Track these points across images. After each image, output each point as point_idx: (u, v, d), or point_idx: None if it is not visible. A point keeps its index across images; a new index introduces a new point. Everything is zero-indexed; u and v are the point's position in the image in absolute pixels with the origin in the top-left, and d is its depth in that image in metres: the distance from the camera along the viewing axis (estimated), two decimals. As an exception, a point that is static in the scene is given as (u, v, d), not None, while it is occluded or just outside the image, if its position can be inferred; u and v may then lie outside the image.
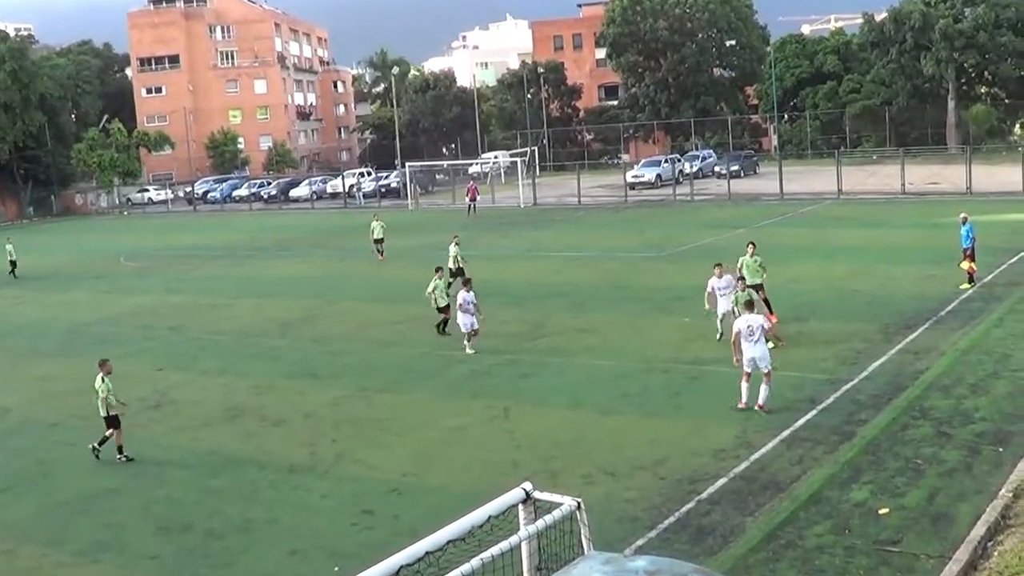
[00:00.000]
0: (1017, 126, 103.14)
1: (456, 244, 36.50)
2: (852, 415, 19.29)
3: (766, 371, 19.69)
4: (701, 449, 17.99)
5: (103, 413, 20.14)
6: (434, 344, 28.11)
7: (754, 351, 19.59)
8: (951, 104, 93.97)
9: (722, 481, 16.47)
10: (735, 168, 78.09)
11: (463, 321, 26.43)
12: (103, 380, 20.10)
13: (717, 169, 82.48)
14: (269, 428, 21.47)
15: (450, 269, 34.22)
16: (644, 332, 27.62)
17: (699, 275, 34.89)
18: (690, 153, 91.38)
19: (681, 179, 75.39)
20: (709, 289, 25.60)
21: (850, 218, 51.24)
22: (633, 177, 77.42)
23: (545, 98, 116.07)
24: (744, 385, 19.92)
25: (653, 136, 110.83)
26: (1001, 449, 16.98)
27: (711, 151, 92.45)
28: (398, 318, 32.39)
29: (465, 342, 26.55)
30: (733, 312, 23.62)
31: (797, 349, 24.59)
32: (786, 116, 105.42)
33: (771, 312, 27.15)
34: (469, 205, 67.50)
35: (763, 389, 19.73)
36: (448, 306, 28.21)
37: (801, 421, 19.11)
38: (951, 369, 21.87)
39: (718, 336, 25.55)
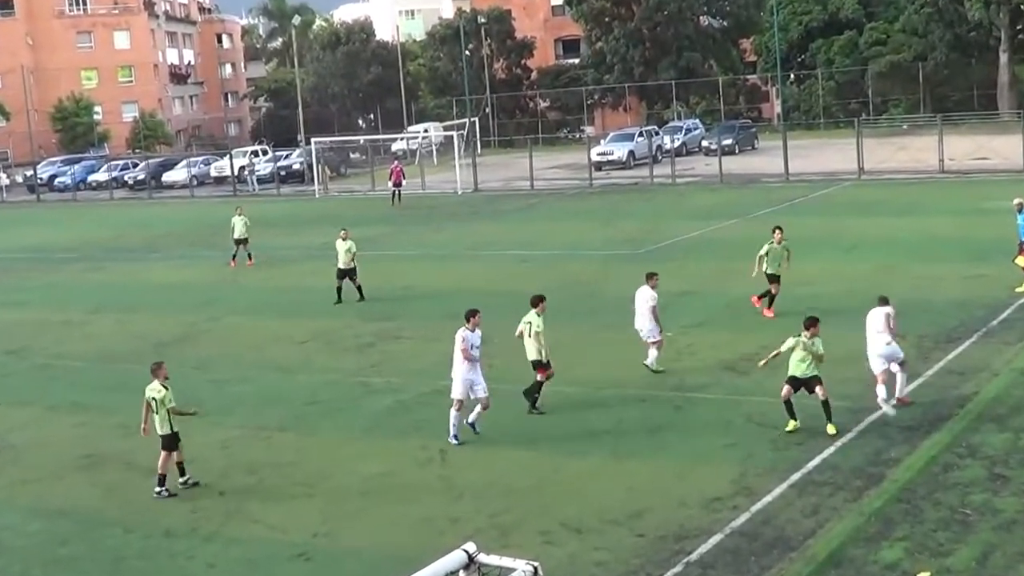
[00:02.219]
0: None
1: (345, 239, 36.84)
2: (880, 453, 19.46)
3: (901, 360, 21.82)
4: (689, 498, 18.08)
5: (164, 431, 20.21)
6: (348, 369, 28.02)
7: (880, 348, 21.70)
8: (1004, 58, 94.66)
9: (716, 538, 16.53)
10: (728, 142, 78.71)
11: (469, 378, 22.03)
12: (164, 388, 20.28)
13: (705, 144, 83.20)
14: (139, 479, 21.27)
15: (340, 269, 36.29)
16: (616, 351, 27.67)
17: (686, 278, 35.30)
18: (671, 124, 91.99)
19: (660, 157, 75.70)
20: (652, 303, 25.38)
21: (875, 204, 51.78)
22: (599, 155, 77.82)
23: (488, 55, 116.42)
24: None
25: (624, 103, 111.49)
26: (1069, 494, 17.20)
27: (697, 121, 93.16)
28: (301, 335, 32.25)
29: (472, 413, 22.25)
30: None
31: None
32: (792, 76, 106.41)
33: (769, 307, 29.00)
34: (393, 191, 67.40)
35: (900, 378, 21.88)
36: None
37: (816, 461, 19.25)
38: (1006, 394, 22.12)
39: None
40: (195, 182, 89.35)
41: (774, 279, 30.21)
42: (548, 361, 23.19)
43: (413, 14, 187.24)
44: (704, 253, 41.49)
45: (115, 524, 19.13)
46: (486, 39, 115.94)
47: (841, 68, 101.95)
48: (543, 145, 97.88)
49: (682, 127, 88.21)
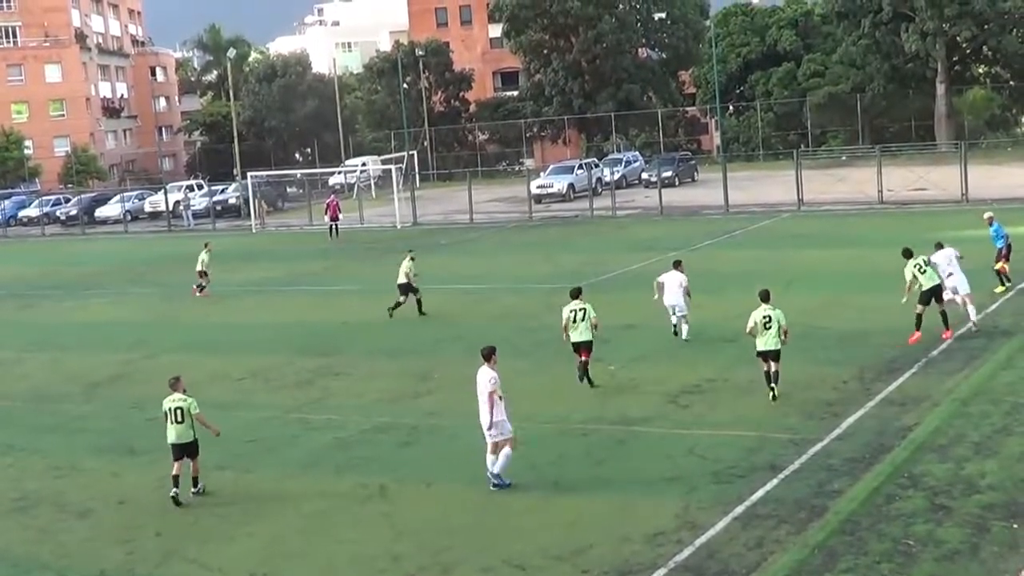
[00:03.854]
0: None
1: (411, 259, 39.59)
2: (824, 485, 19.57)
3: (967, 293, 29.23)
4: (633, 533, 18.08)
5: (187, 439, 21.45)
6: (287, 406, 27.88)
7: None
8: (940, 89, 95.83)
9: (661, 573, 16.55)
10: (667, 175, 79.24)
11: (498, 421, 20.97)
12: (185, 398, 21.54)
13: (645, 176, 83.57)
14: (71, 522, 21.04)
15: (401, 285, 38.86)
16: (558, 385, 27.73)
17: (628, 311, 35.36)
18: (611, 156, 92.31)
19: (600, 189, 75.95)
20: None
21: (814, 235, 52.19)
22: (539, 188, 78.15)
23: (426, 88, 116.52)
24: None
25: (564, 135, 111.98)
26: (1015, 525, 17.32)
27: (637, 154, 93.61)
28: (239, 372, 32.08)
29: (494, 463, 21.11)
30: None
31: (751, 401, 24.91)
32: (731, 108, 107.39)
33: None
34: (330, 225, 67.18)
35: (971, 309, 29.30)
36: None
37: (759, 494, 19.32)
38: (948, 424, 22.31)
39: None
40: (129, 217, 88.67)
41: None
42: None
43: (350, 47, 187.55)
44: (645, 286, 41.13)
45: (48, 568, 18.89)
46: (424, 72, 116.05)
47: (780, 100, 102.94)
48: (482, 178, 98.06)
49: (622, 159, 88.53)
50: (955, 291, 30.18)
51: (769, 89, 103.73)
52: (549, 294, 41.16)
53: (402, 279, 38.89)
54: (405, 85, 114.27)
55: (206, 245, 48.67)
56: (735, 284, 38.78)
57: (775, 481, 19.82)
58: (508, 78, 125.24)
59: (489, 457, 20.74)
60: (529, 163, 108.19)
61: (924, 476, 19.50)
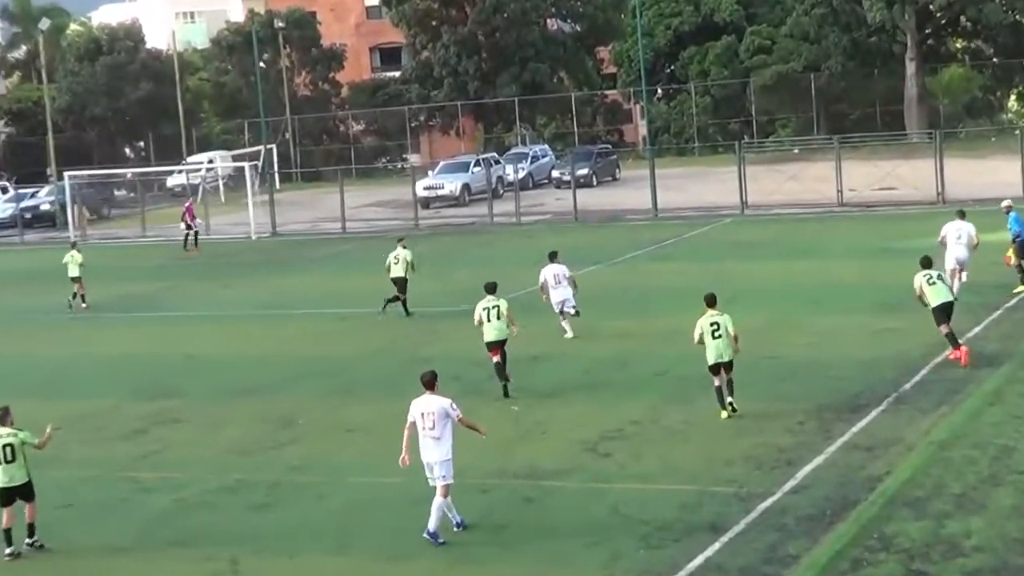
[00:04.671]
0: (1012, 98, 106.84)
1: (403, 246, 42.39)
2: (776, 549, 19.61)
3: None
4: (545, 612, 17.98)
5: (18, 480, 21.77)
6: (114, 462, 27.46)
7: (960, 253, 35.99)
8: (910, 68, 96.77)
9: (579, 661, 16.47)
10: (583, 172, 79.61)
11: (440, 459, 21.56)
12: (16, 431, 21.92)
13: (556, 175, 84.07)
14: None
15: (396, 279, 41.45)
16: (451, 431, 27.63)
17: (535, 339, 35.29)
18: (514, 151, 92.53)
19: (501, 191, 76.09)
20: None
21: (761, 245, 52.58)
22: (427, 189, 78.36)
23: (288, 68, 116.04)
24: None
25: (457, 125, 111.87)
26: (1006, 594, 17.48)
27: (546, 147, 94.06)
28: (51, 419, 31.40)
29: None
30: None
31: (687, 447, 24.94)
32: (660, 91, 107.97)
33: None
34: (186, 234, 66.62)
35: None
36: None
37: (698, 561, 19.30)
38: (924, 473, 22.43)
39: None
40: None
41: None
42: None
43: (193, 16, 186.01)
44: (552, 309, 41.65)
45: None
46: (285, 47, 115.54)
47: (718, 81, 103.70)
48: (358, 178, 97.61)
49: (528, 154, 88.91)
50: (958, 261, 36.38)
51: (706, 68, 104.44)
52: (439, 319, 41.12)
53: (398, 272, 41.37)
54: (262, 64, 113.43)
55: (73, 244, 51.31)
56: (665, 305, 38.96)
57: (717, 545, 19.79)
58: (389, 56, 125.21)
59: (440, 503, 20.94)
60: (414, 159, 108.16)
61: (897, 536, 19.57)
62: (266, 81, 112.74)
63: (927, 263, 30.60)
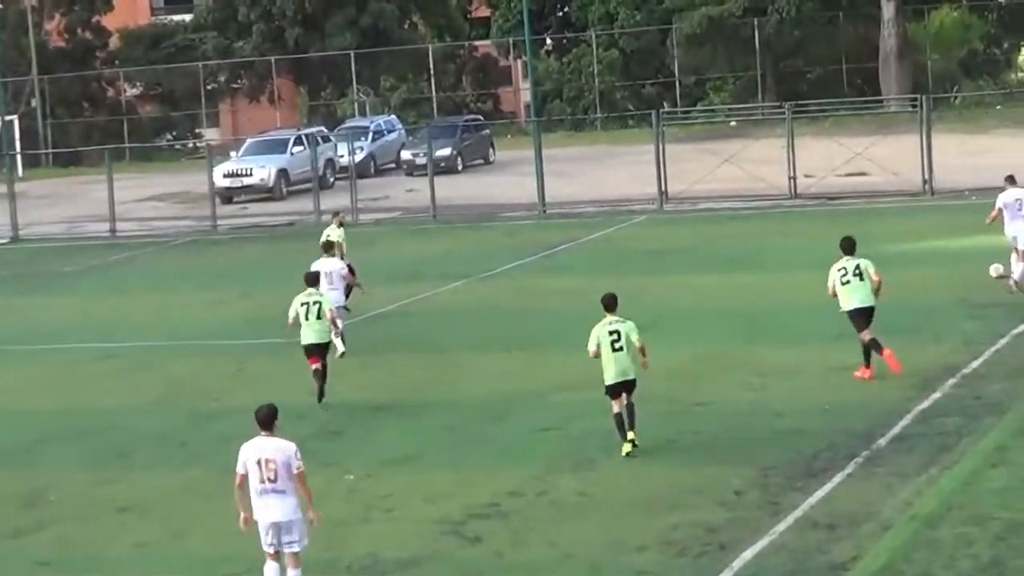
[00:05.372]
0: (1023, 52, 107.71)
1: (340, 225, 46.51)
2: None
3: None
4: None
5: None
6: None
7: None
8: (888, 10, 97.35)
9: None
10: (445, 153, 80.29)
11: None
12: None
13: (407, 156, 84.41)
14: None
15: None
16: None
17: (376, 381, 35.33)
18: (350, 124, 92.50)
19: (332, 179, 76.13)
20: None
21: (686, 251, 52.90)
22: (229, 177, 78.48)
23: (34, 8, 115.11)
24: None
25: (270, 89, 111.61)
26: None
27: (393, 119, 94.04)
28: None
29: None
30: None
31: (583, 526, 24.94)
32: (549, 42, 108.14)
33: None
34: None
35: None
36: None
37: None
38: (906, 558, 22.54)
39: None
40: None
41: None
42: None
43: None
44: (406, 340, 41.67)
45: None
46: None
47: (628, 28, 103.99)
48: (133, 161, 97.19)
49: (368, 128, 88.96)
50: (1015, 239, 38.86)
51: (611, 11, 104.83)
52: (243, 356, 41.04)
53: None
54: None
55: None
56: (556, 335, 38.96)
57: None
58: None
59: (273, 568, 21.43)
60: (212, 136, 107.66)
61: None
62: (3, 26, 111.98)
63: (848, 247, 32.07)
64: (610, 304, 28.55)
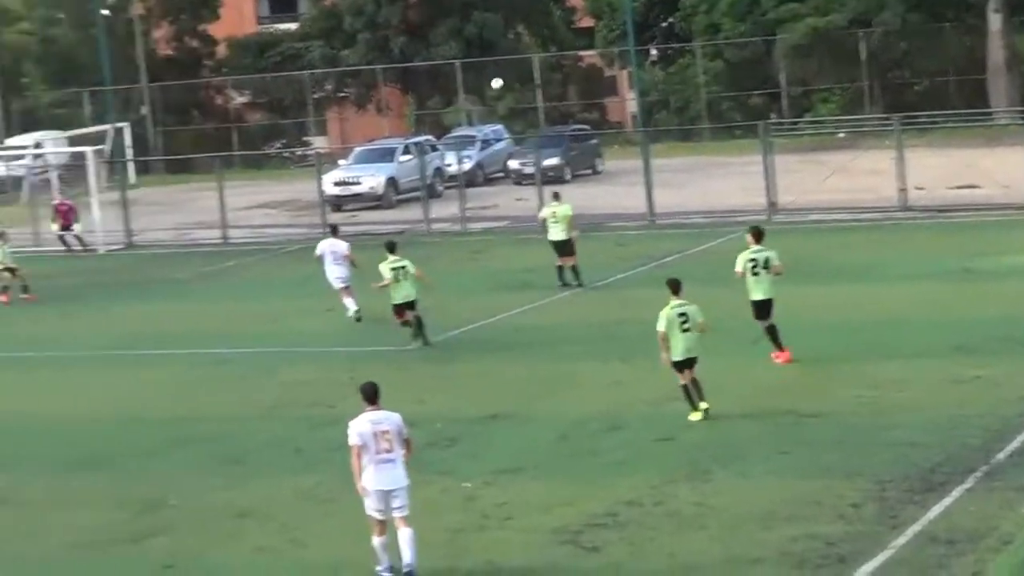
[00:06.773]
0: None
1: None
2: None
3: None
4: None
5: None
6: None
7: None
8: (995, 21, 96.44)
9: None
10: (553, 163, 79.68)
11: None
12: None
13: (515, 165, 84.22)
14: None
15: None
16: (343, 522, 27.43)
17: (486, 390, 35.29)
18: (457, 132, 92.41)
19: (440, 188, 76.18)
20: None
21: (796, 263, 52.24)
22: (338, 186, 78.43)
23: (142, 17, 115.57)
24: None
25: (377, 98, 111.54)
26: None
27: (501, 128, 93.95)
28: None
29: None
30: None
31: (700, 539, 24.83)
32: (654, 53, 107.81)
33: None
34: (61, 236, 68.09)
35: None
36: None
37: None
38: (1024, 574, 22.46)
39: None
40: None
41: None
42: None
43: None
44: (517, 349, 41.65)
45: None
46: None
47: (733, 39, 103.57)
48: (242, 169, 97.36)
49: (476, 137, 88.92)
50: None
51: (716, 22, 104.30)
52: (358, 362, 41.04)
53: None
54: (105, 11, 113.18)
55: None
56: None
57: None
58: (281, 1, 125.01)
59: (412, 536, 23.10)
60: (320, 144, 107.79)
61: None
62: (112, 35, 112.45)
63: (757, 235, 35.95)
64: (675, 287, 32.54)
